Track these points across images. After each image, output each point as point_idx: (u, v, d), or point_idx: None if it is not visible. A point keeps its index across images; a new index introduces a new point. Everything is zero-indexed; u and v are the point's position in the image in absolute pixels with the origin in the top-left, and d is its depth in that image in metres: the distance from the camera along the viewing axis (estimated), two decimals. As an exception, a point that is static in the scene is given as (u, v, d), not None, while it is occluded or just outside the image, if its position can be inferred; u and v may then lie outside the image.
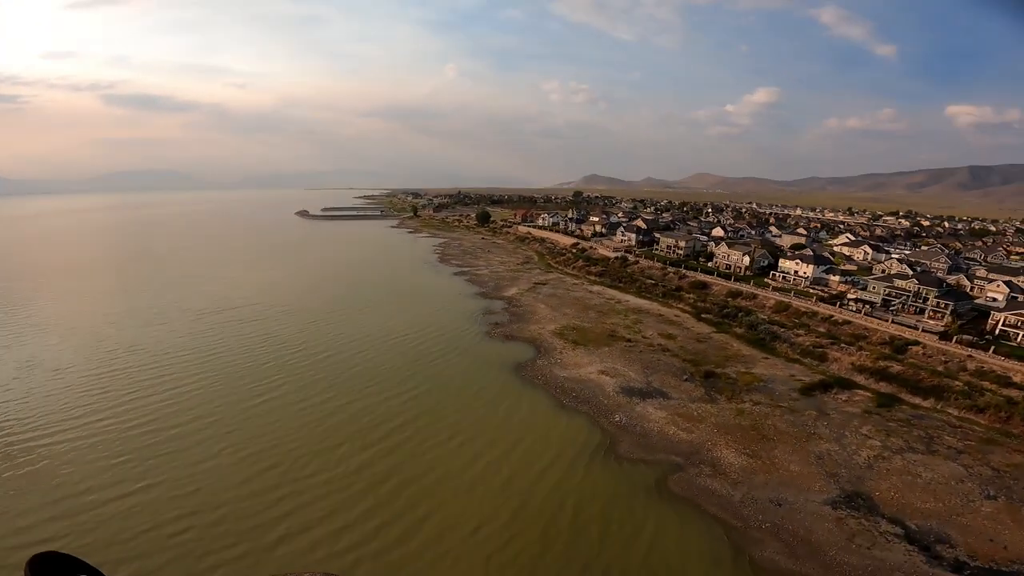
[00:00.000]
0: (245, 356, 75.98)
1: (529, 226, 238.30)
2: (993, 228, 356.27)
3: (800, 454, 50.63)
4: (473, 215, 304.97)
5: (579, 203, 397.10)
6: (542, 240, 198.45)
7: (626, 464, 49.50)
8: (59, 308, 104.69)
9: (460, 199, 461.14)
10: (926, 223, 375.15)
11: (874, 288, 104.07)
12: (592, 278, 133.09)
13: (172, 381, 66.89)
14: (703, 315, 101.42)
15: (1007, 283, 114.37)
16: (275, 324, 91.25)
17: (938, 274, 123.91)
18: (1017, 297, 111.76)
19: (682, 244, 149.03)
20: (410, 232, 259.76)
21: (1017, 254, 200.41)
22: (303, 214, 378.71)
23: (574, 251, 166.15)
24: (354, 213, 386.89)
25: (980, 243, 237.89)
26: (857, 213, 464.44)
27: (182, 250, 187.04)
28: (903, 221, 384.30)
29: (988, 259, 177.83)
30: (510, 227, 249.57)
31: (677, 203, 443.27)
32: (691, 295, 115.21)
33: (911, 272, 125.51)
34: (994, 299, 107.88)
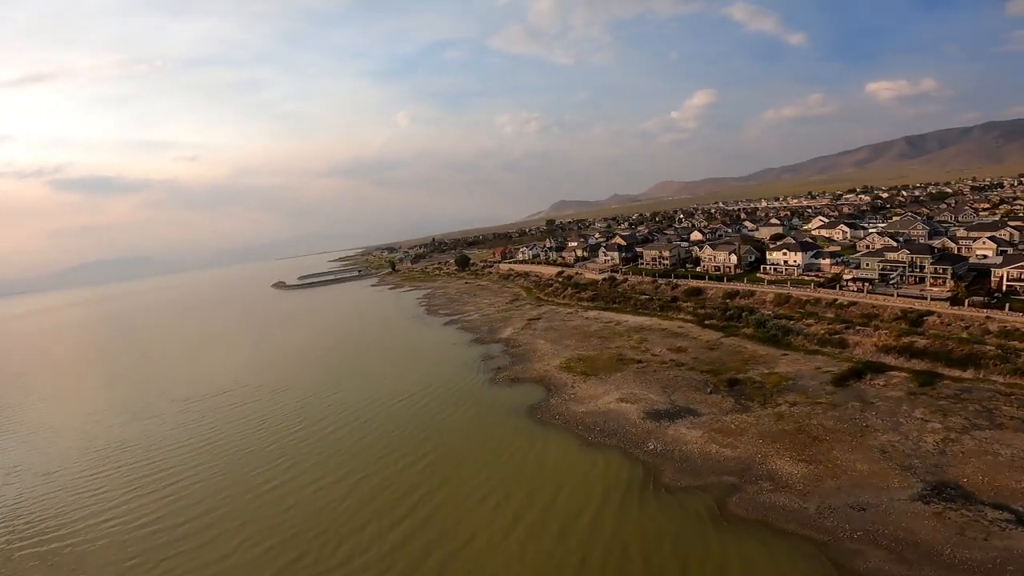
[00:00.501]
0: (244, 442, 71.36)
1: (510, 262, 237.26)
2: (950, 190, 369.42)
3: (861, 451, 47.69)
4: (452, 261, 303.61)
5: (554, 231, 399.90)
6: (526, 274, 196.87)
7: (678, 494, 45.89)
8: (40, 411, 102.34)
9: (436, 247, 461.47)
10: (884, 195, 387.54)
11: (868, 265, 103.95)
12: (585, 304, 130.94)
13: (170, 476, 63.08)
14: (706, 321, 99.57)
15: (991, 238, 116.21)
16: (270, 404, 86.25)
17: (920, 241, 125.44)
18: (1007, 250, 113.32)
19: (666, 254, 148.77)
20: (391, 288, 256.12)
21: (984, 210, 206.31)
22: (280, 285, 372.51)
23: (560, 280, 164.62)
24: (332, 277, 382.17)
25: (945, 205, 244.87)
26: (818, 196, 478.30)
27: (160, 340, 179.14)
28: (863, 196, 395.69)
29: (960, 219, 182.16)
30: (491, 267, 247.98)
31: (649, 215, 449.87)
32: (689, 303, 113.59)
33: (896, 243, 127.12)
34: (984, 256, 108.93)
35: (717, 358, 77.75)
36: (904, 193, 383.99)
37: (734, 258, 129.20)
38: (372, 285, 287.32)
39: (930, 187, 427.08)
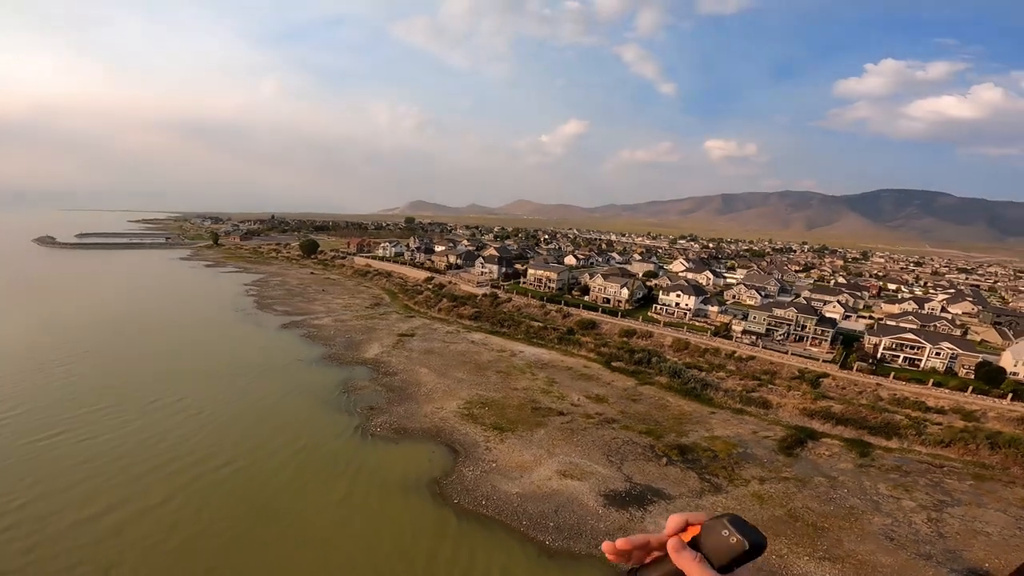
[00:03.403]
0: None
1: (367, 257, 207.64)
2: (756, 248, 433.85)
3: (870, 539, 40.71)
4: (295, 244, 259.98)
5: (415, 230, 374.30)
6: (388, 274, 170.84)
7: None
8: None
9: (275, 225, 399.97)
10: (710, 245, 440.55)
11: (755, 318, 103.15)
12: (467, 323, 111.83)
13: None
14: (613, 363, 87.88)
15: (839, 303, 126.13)
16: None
17: (775, 296, 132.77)
18: (850, 315, 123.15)
19: (554, 276, 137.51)
20: (210, 265, 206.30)
21: (797, 271, 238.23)
22: (46, 241, 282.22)
23: (431, 288, 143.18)
24: (126, 241, 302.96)
25: (765, 263, 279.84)
26: (656, 238, 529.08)
27: None
28: (694, 244, 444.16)
29: (784, 278, 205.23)
30: (344, 258, 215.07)
31: (511, 229, 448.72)
32: (587, 338, 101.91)
33: (760, 296, 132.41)
34: (834, 319, 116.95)
35: (646, 413, 65.11)
36: (724, 246, 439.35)
37: (625, 292, 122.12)
38: (183, 258, 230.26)
39: (739, 243, 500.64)
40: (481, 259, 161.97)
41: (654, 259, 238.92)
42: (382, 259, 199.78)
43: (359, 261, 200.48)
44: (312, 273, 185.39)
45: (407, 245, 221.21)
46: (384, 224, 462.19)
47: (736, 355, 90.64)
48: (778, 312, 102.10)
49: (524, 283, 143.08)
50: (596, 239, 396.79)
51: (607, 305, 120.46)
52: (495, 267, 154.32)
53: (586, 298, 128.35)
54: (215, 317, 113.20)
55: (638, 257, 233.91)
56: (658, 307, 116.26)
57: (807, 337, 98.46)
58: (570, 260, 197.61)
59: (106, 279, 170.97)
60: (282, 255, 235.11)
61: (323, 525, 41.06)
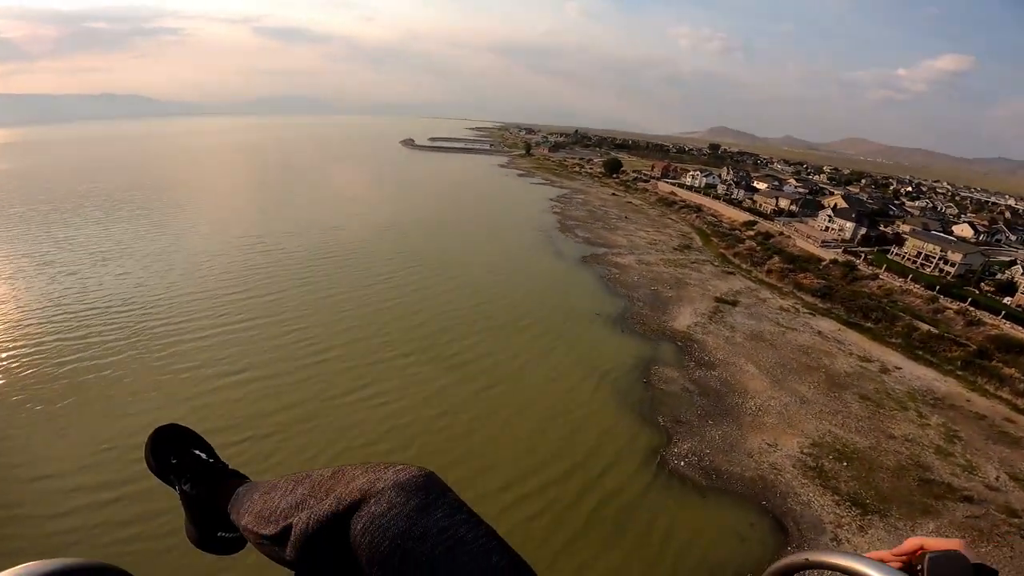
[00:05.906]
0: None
1: (673, 184, 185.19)
2: None
3: None
4: (597, 161, 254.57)
5: (723, 158, 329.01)
6: (698, 208, 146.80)
7: None
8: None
9: (579, 139, 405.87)
10: None
11: None
12: (808, 298, 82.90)
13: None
14: (1078, 427, 50.68)
15: None
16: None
17: None
18: None
19: (956, 258, 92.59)
20: (520, 175, 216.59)
21: None
22: (408, 143, 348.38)
23: (755, 237, 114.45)
24: (461, 145, 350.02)
25: None
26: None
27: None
28: None
29: None
30: (647, 182, 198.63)
31: (847, 171, 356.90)
32: (1011, 369, 63.15)
33: None
34: None
35: None
36: None
37: (1114, 308, 72.53)
38: (500, 165, 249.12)
39: None
40: (829, 211, 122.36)
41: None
42: (690, 188, 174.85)
43: (663, 187, 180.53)
44: (614, 194, 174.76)
45: (719, 176, 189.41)
46: (686, 148, 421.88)
47: None
48: None
49: (895, 255, 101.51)
50: (988, 202, 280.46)
51: (1060, 321, 73.81)
52: (848, 224, 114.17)
53: (1008, 300, 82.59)
54: (518, 236, 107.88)
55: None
56: None
57: None
58: (964, 230, 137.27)
59: (445, 179, 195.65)
60: (585, 171, 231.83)
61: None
